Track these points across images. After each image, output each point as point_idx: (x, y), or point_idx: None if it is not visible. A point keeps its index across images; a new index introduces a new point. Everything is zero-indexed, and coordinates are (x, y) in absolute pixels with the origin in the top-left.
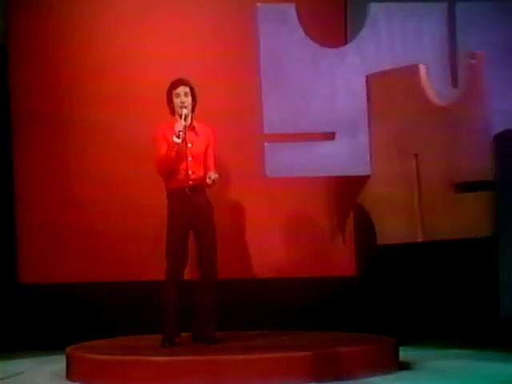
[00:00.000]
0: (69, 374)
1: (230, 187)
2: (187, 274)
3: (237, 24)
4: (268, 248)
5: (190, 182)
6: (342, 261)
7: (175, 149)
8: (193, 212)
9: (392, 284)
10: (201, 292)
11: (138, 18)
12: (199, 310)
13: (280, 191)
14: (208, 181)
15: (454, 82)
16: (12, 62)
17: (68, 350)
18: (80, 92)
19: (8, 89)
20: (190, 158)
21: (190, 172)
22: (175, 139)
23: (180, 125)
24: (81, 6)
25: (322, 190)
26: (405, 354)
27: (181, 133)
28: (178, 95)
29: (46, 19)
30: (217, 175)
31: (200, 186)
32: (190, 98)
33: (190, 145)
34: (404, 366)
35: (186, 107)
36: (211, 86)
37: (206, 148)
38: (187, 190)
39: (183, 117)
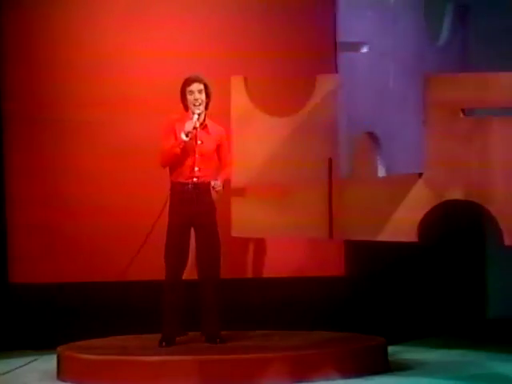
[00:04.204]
0: (60, 374)
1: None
2: (193, 273)
3: (233, 22)
4: (259, 248)
5: (195, 179)
6: (331, 261)
7: (181, 146)
8: (194, 210)
9: (381, 284)
10: (203, 292)
11: (130, 18)
12: (203, 309)
13: None
14: (213, 192)
15: None
16: (2, 61)
17: (59, 349)
18: (72, 92)
19: None
20: (197, 156)
21: (195, 169)
22: (183, 137)
23: (190, 125)
24: (72, 6)
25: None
26: (394, 353)
27: (189, 133)
28: (191, 92)
29: (37, 19)
30: (220, 187)
31: (204, 185)
32: (203, 95)
33: (199, 142)
34: (393, 366)
35: (200, 105)
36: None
37: (218, 147)
38: (190, 186)
39: (196, 116)
